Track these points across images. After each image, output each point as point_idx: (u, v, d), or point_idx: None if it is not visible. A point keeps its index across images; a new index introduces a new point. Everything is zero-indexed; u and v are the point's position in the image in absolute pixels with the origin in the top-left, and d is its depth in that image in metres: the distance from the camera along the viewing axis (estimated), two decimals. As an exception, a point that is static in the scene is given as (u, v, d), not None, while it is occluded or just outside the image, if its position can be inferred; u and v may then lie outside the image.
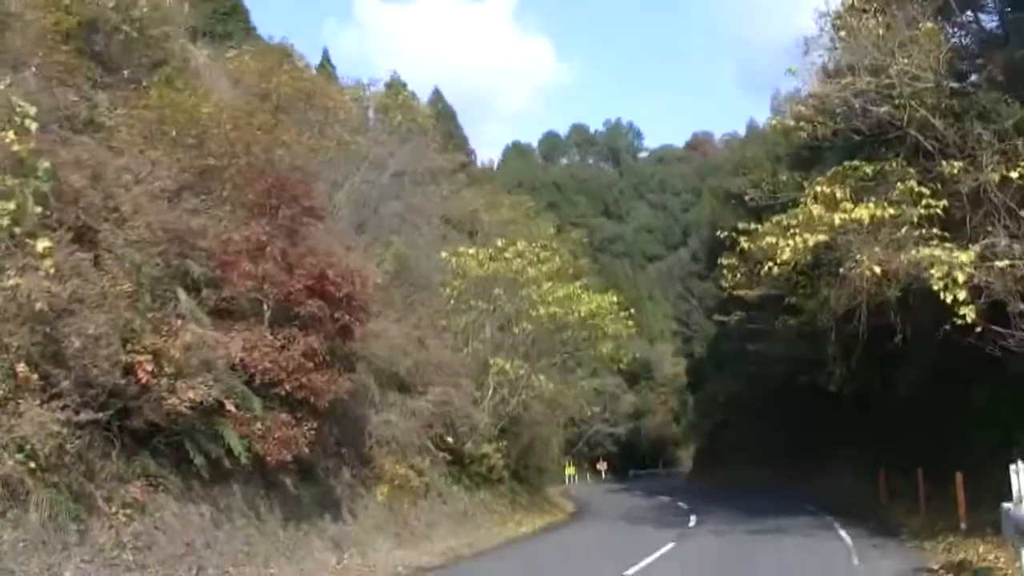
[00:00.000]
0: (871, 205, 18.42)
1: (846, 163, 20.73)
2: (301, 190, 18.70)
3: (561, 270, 33.41)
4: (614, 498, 54.40)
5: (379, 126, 36.36)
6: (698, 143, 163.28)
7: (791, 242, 18.90)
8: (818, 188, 19.45)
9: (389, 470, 23.58)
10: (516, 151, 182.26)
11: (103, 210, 16.59)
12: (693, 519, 29.88)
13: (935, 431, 26.14)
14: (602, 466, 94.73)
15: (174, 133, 20.21)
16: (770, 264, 20.09)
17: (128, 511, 14.19)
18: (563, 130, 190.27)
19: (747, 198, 24.52)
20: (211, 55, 28.86)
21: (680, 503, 39.95)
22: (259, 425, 16.90)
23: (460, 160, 49.13)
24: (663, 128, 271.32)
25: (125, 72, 21.84)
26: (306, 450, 17.37)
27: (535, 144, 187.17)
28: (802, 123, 21.85)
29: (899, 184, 18.96)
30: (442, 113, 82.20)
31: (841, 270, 19.17)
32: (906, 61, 19.23)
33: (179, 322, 15.35)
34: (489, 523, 29.19)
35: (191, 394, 14.35)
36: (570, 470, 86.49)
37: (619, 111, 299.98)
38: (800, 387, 35.46)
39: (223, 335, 16.13)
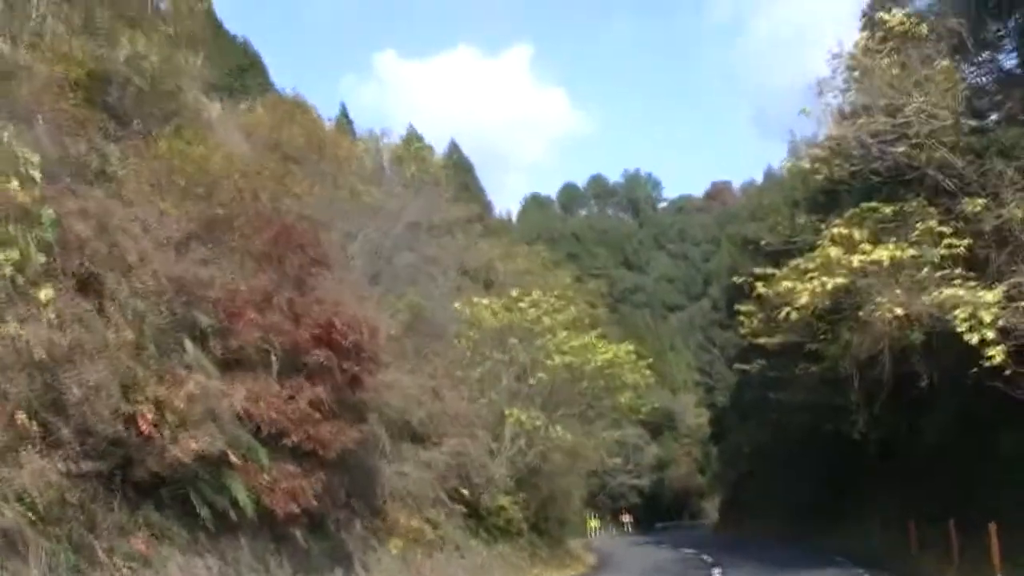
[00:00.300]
0: (891, 246, 18.03)
1: (863, 204, 20.35)
2: (308, 239, 18.48)
3: (577, 319, 33.05)
4: (637, 551, 53.38)
5: (394, 177, 36.28)
6: (717, 192, 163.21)
7: (809, 286, 18.51)
8: (835, 230, 19.07)
9: (403, 523, 23.09)
10: (535, 202, 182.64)
11: (109, 259, 16.39)
12: (717, 573, 29.12)
13: (963, 478, 25.40)
14: (626, 518, 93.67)
15: (183, 183, 20.13)
16: (788, 309, 19.66)
17: (132, 564, 13.80)
18: (582, 181, 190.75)
19: (763, 243, 24.14)
20: (224, 108, 28.93)
21: (704, 556, 39.04)
22: (266, 476, 16.53)
23: (476, 211, 49.01)
24: (682, 178, 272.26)
25: (136, 123, 21.76)
26: (314, 502, 16.96)
27: (554, 195, 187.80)
28: (818, 165, 21.51)
29: (919, 224, 18.57)
30: (459, 165, 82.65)
31: (861, 314, 18.69)
32: (922, 100, 18.91)
33: (184, 372, 15.03)
34: (507, 577, 28.60)
35: (194, 445, 14.01)
36: (593, 522, 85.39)
37: (637, 162, 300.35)
38: (824, 435, 34.75)
39: (228, 385, 15.78)
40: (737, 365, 43.68)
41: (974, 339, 16.84)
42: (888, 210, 19.74)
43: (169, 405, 14.20)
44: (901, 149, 19.72)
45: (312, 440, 16.92)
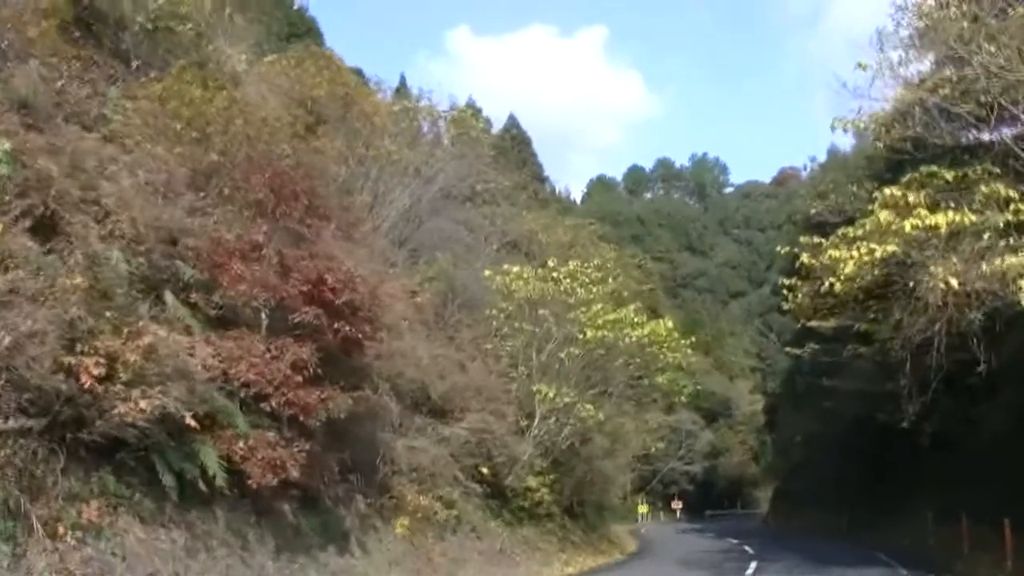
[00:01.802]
0: (949, 212, 15.90)
1: (923, 169, 18.22)
2: (303, 186, 16.92)
3: (616, 292, 31.19)
4: (682, 539, 51.87)
5: (434, 141, 34.67)
6: (785, 178, 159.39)
7: (855, 254, 16.47)
8: (888, 191, 16.98)
9: (412, 500, 21.59)
10: (600, 184, 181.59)
11: (80, 201, 15.11)
12: (753, 566, 27.25)
13: (1022, 475, 23.20)
14: (677, 505, 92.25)
15: (179, 127, 18.81)
16: (831, 280, 17.65)
17: (80, 534, 12.41)
18: (648, 164, 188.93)
19: (813, 212, 22.10)
20: (249, 60, 27.52)
21: (746, 547, 37.30)
22: (242, 444, 15.09)
23: (521, 181, 47.37)
24: (751, 164, 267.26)
25: (134, 64, 20.46)
26: (295, 474, 15.44)
27: (620, 178, 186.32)
28: (874, 127, 19.32)
29: (982, 188, 16.42)
30: (516, 139, 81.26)
31: (911, 283, 16.61)
32: (994, 50, 16.70)
33: (145, 325, 13.59)
34: (530, 562, 26.95)
35: (143, 403, 12.54)
36: (643, 508, 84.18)
37: (706, 146, 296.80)
38: (877, 426, 32.58)
39: (193, 341, 14.33)
40: (789, 349, 41.66)
41: (1041, 315, 14.79)
42: (949, 175, 17.63)
43: (122, 359, 12.76)
44: (968, 107, 17.56)
45: (293, 405, 15.39)
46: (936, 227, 15.67)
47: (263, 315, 16.78)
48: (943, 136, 19.17)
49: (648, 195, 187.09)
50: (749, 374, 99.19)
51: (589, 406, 28.19)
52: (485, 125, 43.20)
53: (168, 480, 14.12)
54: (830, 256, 17.31)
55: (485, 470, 25.57)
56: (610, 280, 31.07)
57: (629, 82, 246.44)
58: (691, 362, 35.13)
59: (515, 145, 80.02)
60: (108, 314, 13.28)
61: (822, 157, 64.35)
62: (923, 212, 15.95)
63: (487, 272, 29.00)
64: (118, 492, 13.39)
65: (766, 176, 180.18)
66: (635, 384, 35.06)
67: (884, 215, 16.47)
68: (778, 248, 22.89)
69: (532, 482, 28.83)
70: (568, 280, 28.45)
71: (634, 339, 28.58)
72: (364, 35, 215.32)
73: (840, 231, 18.39)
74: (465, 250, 33.06)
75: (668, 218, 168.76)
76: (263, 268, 16.21)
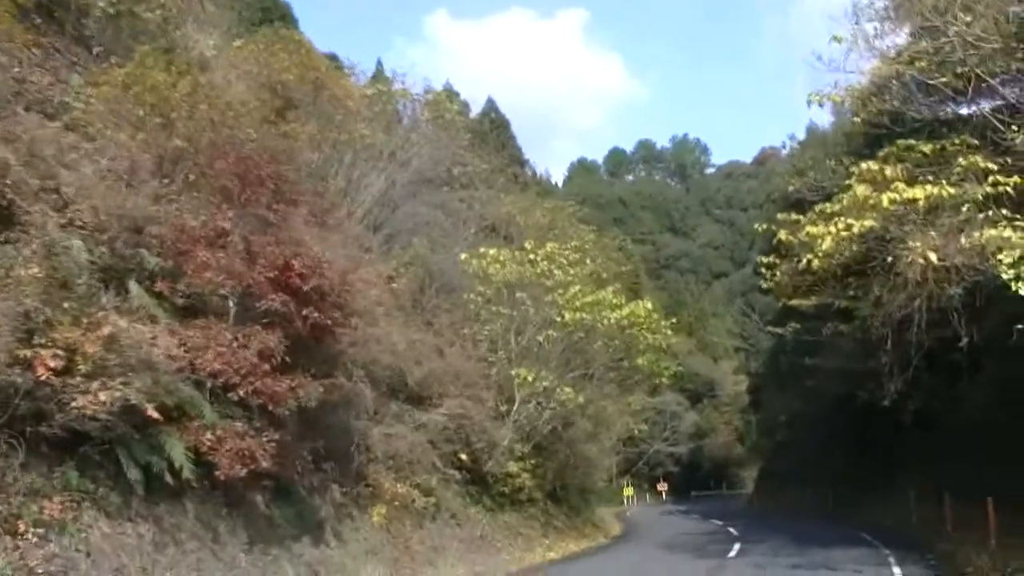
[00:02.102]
0: (927, 186, 15.60)
1: (899, 142, 17.90)
2: (269, 171, 16.50)
3: (594, 273, 30.85)
4: (667, 520, 51.91)
5: (409, 125, 34.19)
6: (765, 158, 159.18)
7: (832, 229, 16.17)
8: (864, 166, 16.67)
9: (388, 489, 21.27)
10: (582, 167, 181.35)
11: (41, 191, 14.72)
12: (736, 547, 27.08)
13: (1004, 452, 23.00)
14: (662, 487, 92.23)
15: (142, 113, 18.37)
16: (809, 257, 17.36)
17: (42, 530, 12.06)
18: (630, 147, 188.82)
19: (791, 190, 21.80)
20: (217, 46, 27.02)
21: (731, 528, 37.19)
22: (209, 435, 14.74)
23: (498, 164, 46.93)
24: (731, 144, 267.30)
25: (96, 51, 19.99)
26: (264, 464, 15.10)
27: (601, 160, 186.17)
28: (850, 100, 18.99)
29: (961, 160, 16.13)
30: (495, 122, 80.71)
31: (890, 259, 16.31)
32: (970, 20, 16.37)
33: (105, 315, 13.20)
34: (512, 548, 26.71)
35: (103, 395, 12.18)
36: (628, 491, 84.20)
37: (687, 127, 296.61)
38: (859, 405, 32.41)
39: (155, 330, 13.95)
40: (771, 329, 41.43)
41: (1022, 289, 14.48)
42: (927, 148, 17.33)
43: (80, 350, 12.38)
44: (945, 79, 17.25)
45: (261, 394, 15.04)
46: (914, 200, 15.34)
47: (231, 303, 16.42)
48: (920, 110, 18.90)
49: (630, 177, 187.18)
50: (733, 354, 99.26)
51: (568, 389, 27.88)
52: (460, 108, 42.64)
53: (134, 474, 13.79)
54: (807, 233, 17.00)
55: (464, 456, 25.28)
56: (588, 261, 30.73)
57: (610, 65, 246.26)
58: (671, 343, 34.86)
59: (494, 128, 79.46)
60: (66, 305, 12.91)
61: (802, 135, 64.04)
62: (901, 186, 15.62)
63: (463, 256, 28.62)
64: (82, 487, 13.03)
65: (747, 156, 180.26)
66: (616, 366, 34.78)
67: (861, 189, 16.14)
68: (756, 226, 22.58)
69: (513, 467, 28.56)
70: (545, 262, 28.09)
71: (612, 321, 28.26)
72: (342, 22, 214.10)
73: (818, 207, 18.09)
74: (442, 234, 32.67)
75: (650, 200, 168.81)
76: (229, 255, 15.83)
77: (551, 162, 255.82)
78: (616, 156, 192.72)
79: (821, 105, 18.23)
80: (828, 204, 17.83)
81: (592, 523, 41.85)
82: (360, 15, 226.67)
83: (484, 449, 26.16)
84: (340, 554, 18.55)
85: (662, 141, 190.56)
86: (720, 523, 42.47)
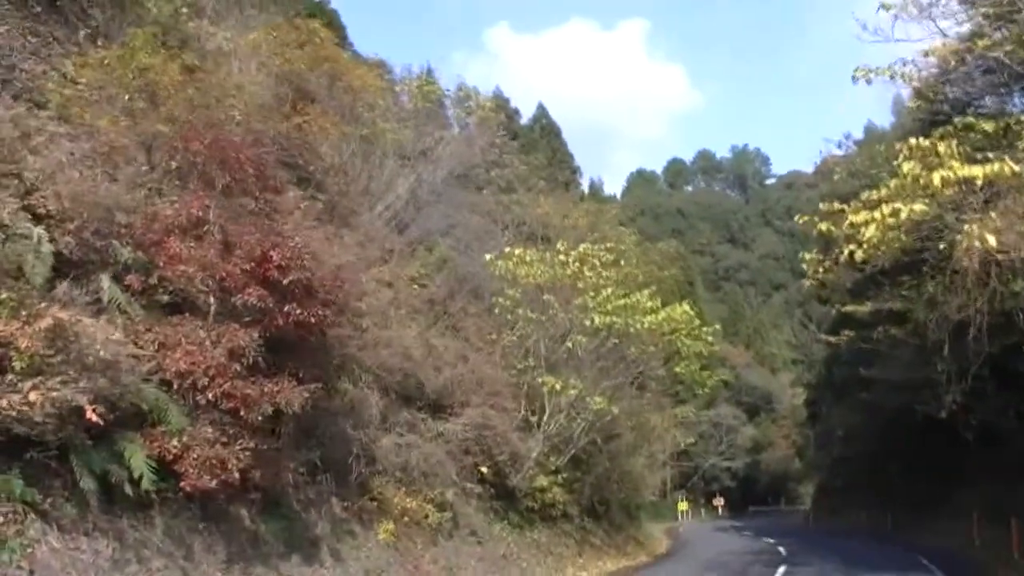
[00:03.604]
0: (987, 165, 13.59)
1: (957, 120, 15.93)
2: (249, 154, 15.03)
3: (630, 275, 28.99)
4: (717, 538, 49.93)
5: (442, 123, 32.74)
6: (827, 167, 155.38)
7: (876, 215, 14.27)
8: (914, 141, 14.73)
9: (398, 503, 19.69)
10: (640, 178, 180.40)
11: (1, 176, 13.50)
12: (781, 571, 25.10)
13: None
14: (719, 502, 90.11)
15: (127, 97, 17.15)
16: (851, 248, 15.45)
17: (-27, 546, 10.70)
18: (689, 157, 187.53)
19: (836, 179, 19.87)
20: (234, 39, 25.81)
21: (781, 548, 35.27)
22: (175, 442, 13.29)
23: (563, 176, 45.42)
24: (793, 154, 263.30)
25: (81, 32, 18.80)
26: (236, 475, 13.60)
27: (659, 171, 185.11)
28: (906, 73, 16.98)
29: (1025, 136, 14.16)
30: (545, 129, 79.48)
31: (943, 246, 14.36)
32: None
33: (42, 306, 11.80)
34: (539, 567, 24.96)
35: (34, 395, 10.76)
36: (683, 506, 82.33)
37: (747, 137, 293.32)
38: (918, 419, 30.26)
39: (107, 326, 12.54)
40: (822, 336, 39.32)
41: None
42: (989, 127, 15.36)
43: (14, 344, 11.01)
44: (1008, 49, 15.29)
45: (231, 397, 13.55)
46: (972, 180, 13.33)
47: (211, 299, 14.99)
48: (982, 91, 16.94)
49: (689, 188, 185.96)
50: (791, 367, 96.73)
51: (599, 399, 26.05)
52: (506, 110, 40.96)
53: (88, 483, 12.31)
54: (850, 222, 15.12)
55: (484, 469, 23.59)
56: (622, 263, 28.87)
57: (671, 75, 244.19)
58: (714, 350, 32.81)
59: (544, 135, 78.29)
60: (4, 295, 11.55)
61: (860, 136, 61.23)
62: (956, 164, 13.67)
63: (488, 256, 26.98)
64: (27, 497, 11.62)
65: (809, 167, 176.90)
66: (654, 375, 32.88)
67: (909, 167, 14.20)
68: (796, 219, 20.70)
69: (543, 481, 26.82)
70: (577, 264, 26.34)
71: (646, 325, 26.40)
72: (404, 36, 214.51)
73: (864, 195, 16.19)
74: (474, 237, 31.10)
75: (708, 210, 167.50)
76: (203, 246, 14.41)
77: (612, 173, 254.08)
78: (675, 166, 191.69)
79: (869, 82, 16.35)
80: (874, 191, 15.89)
81: (636, 540, 39.93)
82: (422, 30, 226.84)
83: (507, 462, 24.44)
84: (336, 574, 16.99)
85: (722, 151, 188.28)
86: (771, 541, 40.56)
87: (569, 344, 25.97)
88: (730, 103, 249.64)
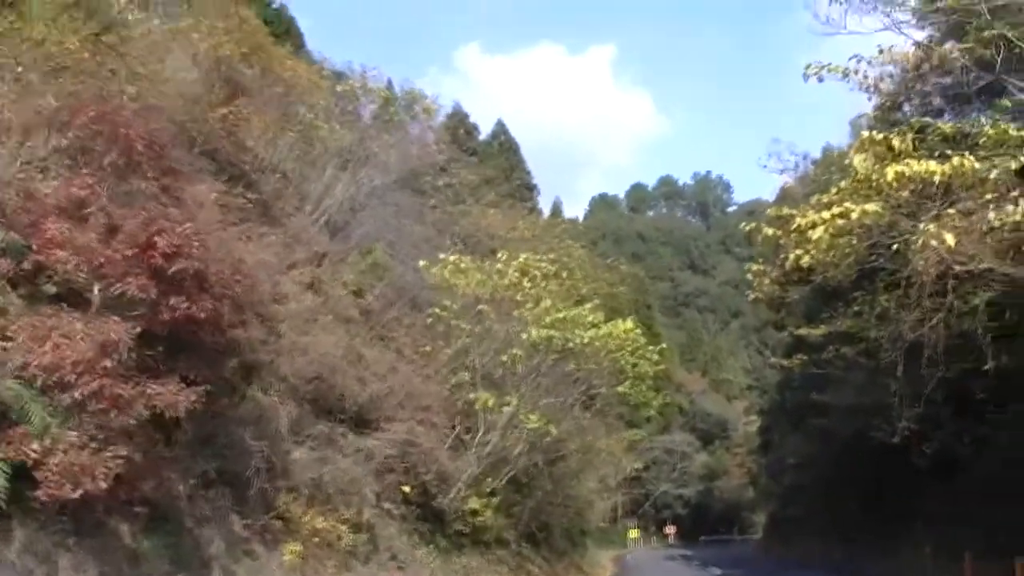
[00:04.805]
0: (946, 163, 12.35)
1: (914, 120, 14.78)
2: (140, 131, 13.52)
3: (572, 288, 27.63)
4: (665, 566, 48.92)
5: (380, 124, 31.29)
6: (787, 194, 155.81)
7: (825, 215, 13.02)
8: (866, 134, 13.52)
9: (307, 522, 18.13)
10: (603, 202, 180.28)
11: None
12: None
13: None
14: (670, 530, 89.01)
15: (19, 69, 15.69)
16: (797, 253, 14.20)
17: None
18: (652, 183, 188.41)
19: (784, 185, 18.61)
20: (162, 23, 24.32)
21: (728, 578, 34.01)
22: (36, 446, 11.71)
23: (487, 176, 44.13)
24: (756, 182, 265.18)
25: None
26: (103, 484, 12.01)
27: (622, 196, 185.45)
28: (858, 69, 15.77)
29: (988, 130, 12.95)
30: (504, 145, 78.31)
31: (895, 247, 13.12)
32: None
33: None
34: (468, 595, 23.48)
35: None
36: (634, 533, 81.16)
37: (711, 164, 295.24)
38: (872, 447, 29.08)
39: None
40: (774, 359, 38.28)
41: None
42: (947, 128, 14.19)
43: None
44: (968, 45, 14.18)
45: (103, 398, 11.98)
46: (929, 176, 12.04)
47: (96, 289, 13.45)
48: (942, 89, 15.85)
49: (651, 213, 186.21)
50: (747, 393, 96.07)
51: (534, 417, 24.59)
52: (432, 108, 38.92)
53: (-72, 490, 10.81)
54: (797, 226, 13.88)
55: (408, 488, 22.06)
56: (564, 274, 27.49)
57: (638, 101, 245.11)
58: (659, 370, 31.43)
59: (502, 151, 77.05)
60: None
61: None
62: (911, 162, 12.43)
63: (422, 262, 25.54)
64: None
65: (771, 195, 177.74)
66: (599, 395, 31.47)
67: (860, 160, 12.97)
68: (742, 226, 19.51)
69: (476, 503, 25.28)
70: (517, 274, 24.93)
71: (586, 340, 24.98)
72: (373, 53, 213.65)
73: (813, 198, 15.00)
74: (415, 247, 29.65)
75: (670, 236, 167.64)
76: (85, 231, 12.89)
77: (577, 197, 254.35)
78: (637, 192, 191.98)
79: (820, 79, 15.13)
80: (824, 194, 14.70)
81: (578, 567, 38.58)
82: (395, 48, 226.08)
83: (434, 481, 22.91)
84: (229, 599, 15.42)
85: (684, 178, 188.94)
86: (719, 572, 39.30)
87: (504, 359, 24.53)
88: (695, 130, 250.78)
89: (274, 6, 49.96)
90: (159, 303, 12.93)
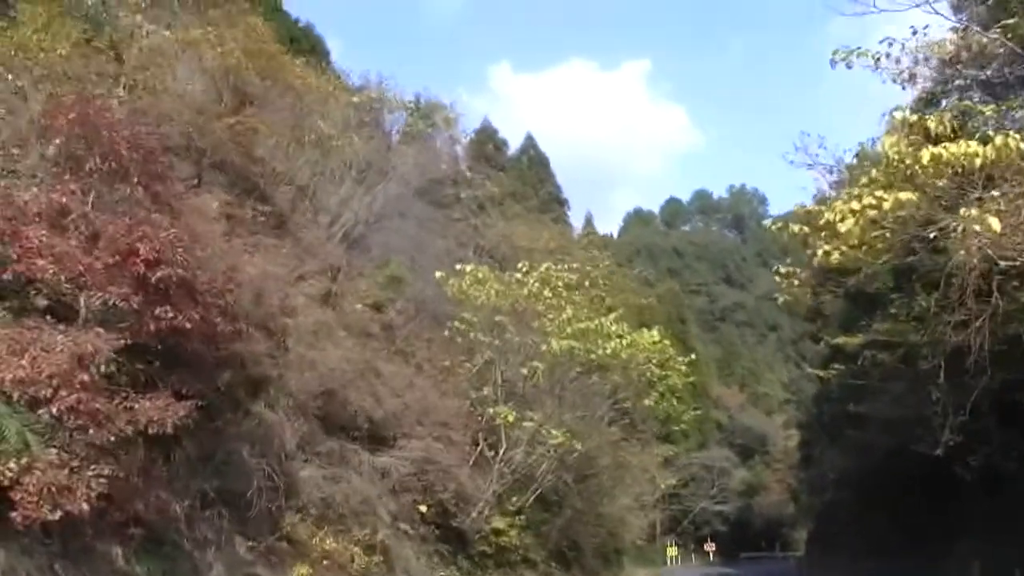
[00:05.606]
0: (988, 144, 11.26)
1: (957, 102, 13.74)
2: (124, 135, 12.81)
3: (595, 299, 26.66)
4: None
5: (401, 136, 30.64)
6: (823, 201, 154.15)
7: (855, 206, 12.01)
8: (899, 115, 12.51)
9: (317, 544, 17.32)
10: (637, 217, 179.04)
11: None
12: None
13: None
14: (710, 547, 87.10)
15: (10, 77, 15.14)
16: (826, 249, 13.18)
17: None
18: (687, 197, 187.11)
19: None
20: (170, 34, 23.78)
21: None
22: (12, 464, 10.99)
23: (512, 190, 43.43)
24: (793, 193, 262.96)
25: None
26: (84, 506, 11.25)
27: (657, 211, 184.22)
28: (889, 55, 14.74)
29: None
30: (533, 159, 77.76)
31: (933, 235, 12.04)
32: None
33: None
34: (489, 618, 22.55)
35: None
36: (672, 551, 79.42)
37: (745, 177, 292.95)
38: (913, 461, 27.81)
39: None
40: (810, 369, 37.03)
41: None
42: (988, 110, 13.16)
43: None
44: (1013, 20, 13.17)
45: (80, 413, 11.23)
46: (970, 157, 10.91)
47: (81, 300, 12.75)
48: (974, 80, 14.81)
49: (686, 227, 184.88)
50: (785, 407, 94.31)
51: (556, 432, 23.61)
52: (452, 117, 38.26)
53: None
54: (826, 220, 12.88)
55: (424, 508, 21.17)
56: (587, 284, 26.50)
57: (673, 116, 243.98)
58: (688, 382, 30.32)
59: (532, 166, 76.49)
60: None
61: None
62: (950, 146, 11.33)
63: (438, 274, 24.69)
64: None
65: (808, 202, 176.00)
66: (630, 410, 30.41)
67: (891, 143, 11.94)
68: (769, 224, 18.52)
69: (500, 523, 24.36)
70: (537, 284, 23.99)
71: (609, 352, 23.95)
72: (403, 74, 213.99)
73: (844, 192, 14.01)
74: (432, 257, 28.89)
75: (705, 250, 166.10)
76: (66, 239, 12.20)
77: (611, 213, 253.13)
78: (672, 206, 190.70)
79: (849, 66, 14.16)
80: (854, 188, 13.68)
81: (610, 589, 37.42)
82: (425, 67, 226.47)
83: (453, 500, 22.01)
84: (230, 626, 14.62)
85: (719, 191, 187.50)
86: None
87: (525, 372, 23.59)
88: (730, 143, 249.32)
89: (301, 24, 49.93)
90: (143, 313, 12.21)
